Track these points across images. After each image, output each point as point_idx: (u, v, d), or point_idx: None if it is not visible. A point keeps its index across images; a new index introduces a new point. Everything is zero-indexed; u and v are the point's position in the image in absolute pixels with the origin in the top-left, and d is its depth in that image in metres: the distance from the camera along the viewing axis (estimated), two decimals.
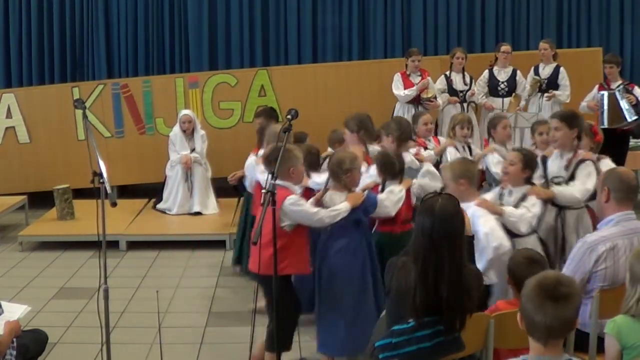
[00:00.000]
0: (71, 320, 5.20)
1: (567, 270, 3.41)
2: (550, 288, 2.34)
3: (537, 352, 2.40)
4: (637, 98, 7.50)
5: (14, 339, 3.81)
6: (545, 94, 8.01)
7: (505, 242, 3.87)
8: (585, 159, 4.52)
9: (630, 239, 3.39)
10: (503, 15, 9.89)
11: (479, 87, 8.32)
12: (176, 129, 7.92)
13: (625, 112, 7.48)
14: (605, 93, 7.59)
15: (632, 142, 8.46)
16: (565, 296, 2.34)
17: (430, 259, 2.87)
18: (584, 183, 4.46)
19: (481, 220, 3.86)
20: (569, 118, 4.60)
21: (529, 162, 4.38)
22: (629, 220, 3.46)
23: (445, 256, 2.86)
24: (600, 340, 3.14)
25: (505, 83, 8.28)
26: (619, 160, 7.14)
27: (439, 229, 2.88)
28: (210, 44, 9.74)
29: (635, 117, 7.51)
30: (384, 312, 3.29)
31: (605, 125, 7.58)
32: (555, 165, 4.62)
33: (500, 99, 8.26)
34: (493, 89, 8.30)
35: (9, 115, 8.57)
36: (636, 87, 7.69)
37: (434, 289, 2.84)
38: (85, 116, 4.04)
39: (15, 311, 4.07)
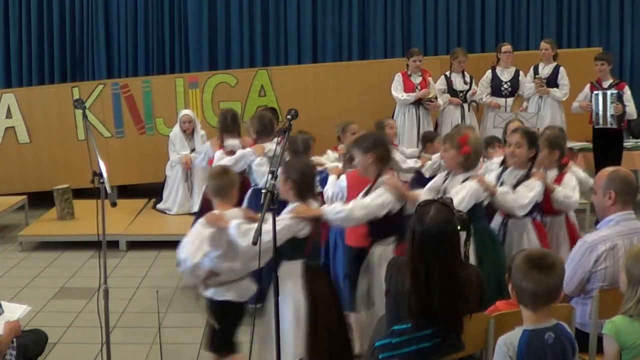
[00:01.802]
0: (71, 320, 5.20)
1: (566, 270, 3.39)
2: (536, 258, 2.66)
3: (530, 321, 2.70)
4: (624, 109, 7.51)
5: (14, 339, 3.82)
6: (538, 87, 8.02)
7: (195, 258, 3.64)
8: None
9: (630, 239, 3.39)
10: (503, 15, 9.88)
11: (482, 87, 8.32)
12: (176, 129, 7.92)
13: (609, 118, 7.52)
14: (600, 93, 7.60)
15: (632, 142, 8.47)
16: (550, 265, 2.65)
17: (419, 267, 2.88)
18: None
19: (193, 231, 3.76)
20: (363, 146, 4.09)
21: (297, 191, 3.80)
22: (629, 220, 3.46)
23: (434, 265, 2.86)
24: (600, 340, 3.14)
25: (509, 83, 8.27)
26: (615, 159, 7.15)
27: (428, 238, 2.89)
28: (210, 44, 9.74)
29: (615, 126, 7.53)
30: (383, 312, 3.29)
31: (600, 124, 7.59)
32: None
33: (503, 99, 8.27)
34: (496, 89, 8.29)
35: (8, 115, 8.57)
36: (626, 87, 7.72)
37: (426, 296, 2.85)
38: (85, 116, 4.04)
39: (15, 311, 4.08)
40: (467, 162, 4.09)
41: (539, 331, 2.67)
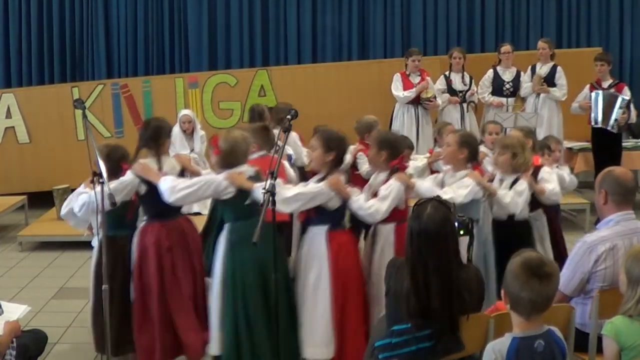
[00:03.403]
0: (71, 320, 5.20)
1: (566, 270, 3.40)
2: (535, 267, 2.56)
3: (522, 328, 2.63)
4: (629, 116, 7.50)
5: (14, 339, 3.82)
6: (536, 85, 8.02)
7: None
8: None
9: (630, 239, 3.38)
10: (503, 15, 9.88)
11: (484, 86, 8.31)
12: (176, 129, 7.90)
13: (611, 121, 7.48)
14: (600, 93, 7.58)
15: (632, 142, 8.47)
16: (549, 275, 2.57)
17: (418, 266, 2.88)
18: None
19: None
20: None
21: None
22: (628, 220, 3.44)
23: (432, 266, 2.87)
24: (600, 340, 3.14)
25: (511, 83, 8.26)
26: (614, 159, 7.15)
27: (425, 238, 2.89)
28: (210, 44, 9.74)
29: (614, 131, 7.52)
30: (383, 312, 3.29)
31: (599, 124, 7.58)
32: None
33: (504, 99, 8.26)
34: (498, 88, 8.28)
35: (8, 115, 8.57)
36: (626, 88, 7.72)
37: (425, 297, 2.85)
38: (85, 116, 4.05)
39: (15, 311, 4.08)
40: (227, 160, 4.00)
41: (529, 339, 2.62)
